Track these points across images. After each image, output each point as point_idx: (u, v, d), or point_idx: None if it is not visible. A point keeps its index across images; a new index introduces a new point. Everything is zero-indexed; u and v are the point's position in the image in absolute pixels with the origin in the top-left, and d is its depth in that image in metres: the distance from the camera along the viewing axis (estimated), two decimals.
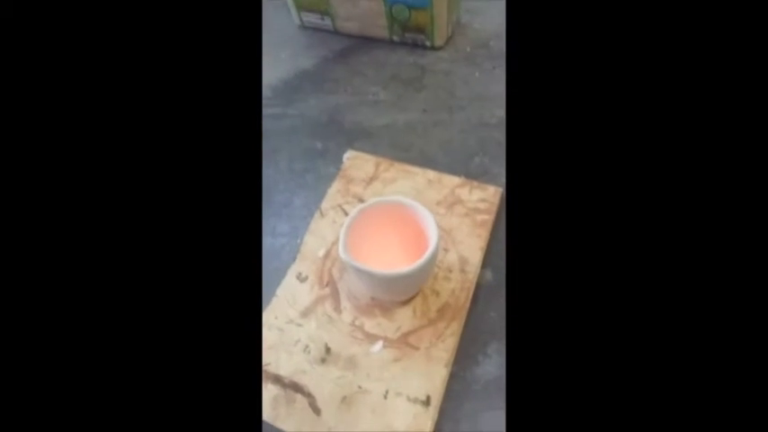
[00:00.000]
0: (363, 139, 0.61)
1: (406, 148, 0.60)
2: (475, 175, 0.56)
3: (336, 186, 0.55)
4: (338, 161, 0.58)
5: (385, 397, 0.40)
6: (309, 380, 0.41)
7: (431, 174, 0.55)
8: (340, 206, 0.53)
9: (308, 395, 0.41)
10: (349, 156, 0.58)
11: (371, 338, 0.43)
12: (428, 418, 0.39)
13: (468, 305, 0.45)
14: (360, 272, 0.39)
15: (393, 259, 0.44)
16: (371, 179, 0.56)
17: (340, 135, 0.62)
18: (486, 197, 0.53)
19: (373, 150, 0.59)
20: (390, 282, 0.40)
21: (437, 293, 0.46)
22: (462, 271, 0.47)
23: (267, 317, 0.45)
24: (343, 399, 0.40)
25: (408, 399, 0.40)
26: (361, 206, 0.43)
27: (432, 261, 0.40)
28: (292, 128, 0.64)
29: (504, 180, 0.55)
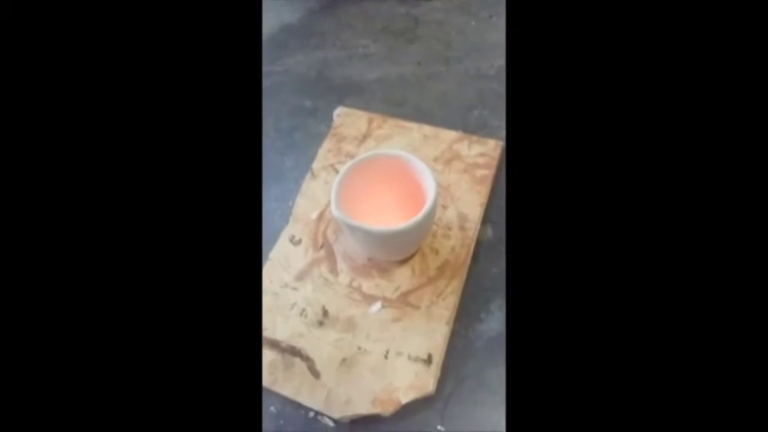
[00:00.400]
0: (354, 94, 0.58)
1: (400, 103, 0.57)
2: (473, 128, 0.53)
3: (327, 146, 0.52)
4: (328, 119, 0.55)
5: (385, 357, 0.39)
6: (307, 343, 0.40)
7: (427, 129, 0.53)
8: (332, 166, 0.51)
9: (307, 359, 0.39)
10: (339, 113, 0.55)
11: (370, 299, 0.42)
12: (430, 375, 0.38)
13: (468, 262, 0.43)
14: (354, 230, 0.37)
15: (389, 217, 0.42)
16: (364, 137, 0.53)
17: (329, 92, 0.59)
18: (486, 151, 0.50)
19: (365, 106, 0.56)
20: (387, 239, 0.38)
21: (436, 251, 0.44)
22: (462, 228, 0.45)
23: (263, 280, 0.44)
24: (343, 360, 0.39)
25: (409, 358, 0.39)
26: (353, 161, 0.40)
27: (429, 217, 0.38)
28: (278, 86, 0.60)
29: (504, 133, 0.52)
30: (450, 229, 0.45)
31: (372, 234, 0.37)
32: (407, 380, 0.38)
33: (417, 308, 0.41)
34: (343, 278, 0.43)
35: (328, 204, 0.48)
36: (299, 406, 0.38)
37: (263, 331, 0.41)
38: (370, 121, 0.54)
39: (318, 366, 0.39)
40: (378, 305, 0.41)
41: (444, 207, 0.47)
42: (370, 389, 0.37)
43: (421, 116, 0.54)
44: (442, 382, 0.38)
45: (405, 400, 0.37)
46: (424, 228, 0.40)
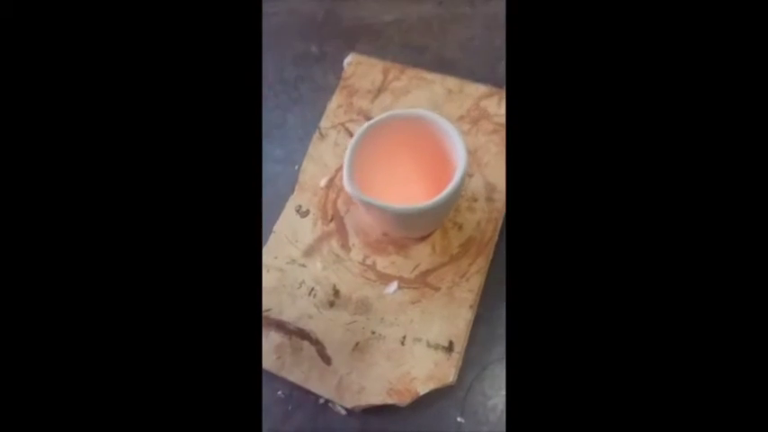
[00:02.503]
0: (368, 39, 0.51)
1: (420, 50, 0.49)
2: (504, 81, 0.46)
3: (337, 100, 0.46)
4: (338, 68, 0.48)
5: (402, 343, 0.36)
6: (317, 326, 0.37)
7: (451, 82, 0.46)
8: (343, 125, 0.45)
9: (316, 342, 0.36)
10: (351, 61, 0.48)
11: (385, 279, 0.38)
12: (451, 365, 0.34)
13: (495, 239, 0.39)
14: (370, 207, 0.32)
15: (409, 188, 0.37)
16: (379, 90, 0.46)
17: (339, 36, 0.51)
18: None
19: (380, 54, 0.49)
20: (407, 218, 0.33)
21: (459, 226, 0.39)
22: (489, 199, 0.40)
23: (265, 257, 0.40)
24: (356, 345, 0.36)
25: (428, 345, 0.35)
26: (368, 123, 0.35)
27: (456, 192, 0.33)
28: (281, 28, 0.53)
29: None
30: (475, 200, 0.40)
31: (390, 212, 0.32)
32: (426, 369, 0.35)
33: (438, 289, 0.37)
34: (356, 254, 0.39)
35: (339, 170, 0.42)
36: (308, 391, 0.35)
37: (268, 312, 0.38)
38: (385, 72, 0.47)
39: (329, 351, 0.36)
40: (394, 285, 0.37)
41: (470, 175, 0.41)
42: (384, 377, 0.35)
43: (444, 66, 0.48)
44: (462, 369, 0.35)
45: (423, 390, 0.34)
46: (450, 204, 0.35)
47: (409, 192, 0.37)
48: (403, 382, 0.34)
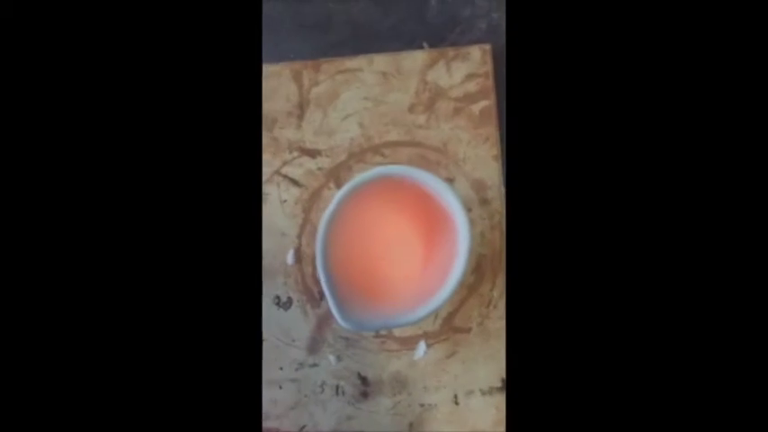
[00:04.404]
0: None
1: (324, 28, 0.37)
2: (440, 32, 0.36)
3: None
4: None
5: (456, 402, 0.33)
6: (361, 424, 0.33)
7: (381, 61, 0.35)
8: (278, 173, 0.35)
9: None
10: None
11: (409, 343, 0.33)
12: None
13: (505, 245, 0.33)
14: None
15: (398, 252, 0.30)
16: (301, 106, 0.35)
17: None
18: (475, 69, 0.35)
19: (279, 54, 0.36)
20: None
21: None
22: (483, 202, 0.34)
23: (271, 373, 0.34)
24: (410, 426, 0.33)
25: (482, 392, 0.33)
26: (327, 213, 0.26)
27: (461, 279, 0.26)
28: None
29: (484, 24, 0.36)
30: (469, 210, 0.34)
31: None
32: (490, 416, 0.32)
33: (468, 330, 0.33)
34: (362, 332, 0.33)
35: (300, 234, 0.34)
36: None
37: (302, 430, 0.33)
38: (296, 77, 0.35)
39: None
40: (422, 347, 0.33)
41: (450, 180, 0.34)
42: None
43: (359, 39, 0.36)
44: None
45: None
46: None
47: (400, 256, 0.31)
48: None
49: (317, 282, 0.34)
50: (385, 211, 0.28)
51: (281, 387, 0.34)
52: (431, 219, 0.29)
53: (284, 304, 0.34)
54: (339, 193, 0.26)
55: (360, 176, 0.26)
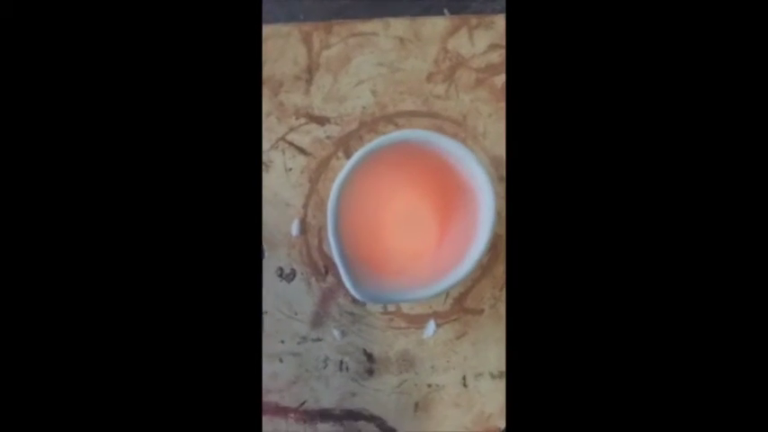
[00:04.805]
0: None
1: None
2: (461, 1, 0.34)
3: (264, 108, 0.34)
4: None
5: (464, 384, 0.32)
6: (365, 401, 0.32)
7: (399, 26, 0.33)
8: (284, 140, 0.33)
9: (372, 418, 0.32)
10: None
11: (418, 321, 0.32)
12: None
13: None
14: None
15: (416, 227, 0.29)
16: (309, 70, 0.34)
17: None
18: (498, 38, 0.33)
19: (288, 15, 0.34)
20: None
21: None
22: (502, 179, 0.32)
23: (271, 346, 0.33)
24: (416, 406, 0.32)
25: (492, 376, 0.32)
26: (340, 177, 0.25)
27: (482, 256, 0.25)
28: None
29: None
30: None
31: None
32: (498, 401, 0.31)
33: (480, 312, 0.32)
34: (373, 305, 0.32)
35: (306, 204, 0.33)
36: None
37: (305, 405, 0.32)
38: (306, 39, 0.34)
39: (390, 422, 0.32)
40: (431, 326, 0.32)
41: None
42: (460, 425, 0.31)
43: (375, 2, 0.34)
44: None
45: (503, 423, 0.31)
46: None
47: (417, 231, 0.29)
48: (480, 423, 0.31)
49: (323, 255, 0.33)
50: (401, 180, 0.27)
51: (281, 360, 0.33)
52: (449, 192, 0.28)
53: (287, 276, 0.33)
54: (354, 157, 0.24)
55: (378, 140, 0.24)
